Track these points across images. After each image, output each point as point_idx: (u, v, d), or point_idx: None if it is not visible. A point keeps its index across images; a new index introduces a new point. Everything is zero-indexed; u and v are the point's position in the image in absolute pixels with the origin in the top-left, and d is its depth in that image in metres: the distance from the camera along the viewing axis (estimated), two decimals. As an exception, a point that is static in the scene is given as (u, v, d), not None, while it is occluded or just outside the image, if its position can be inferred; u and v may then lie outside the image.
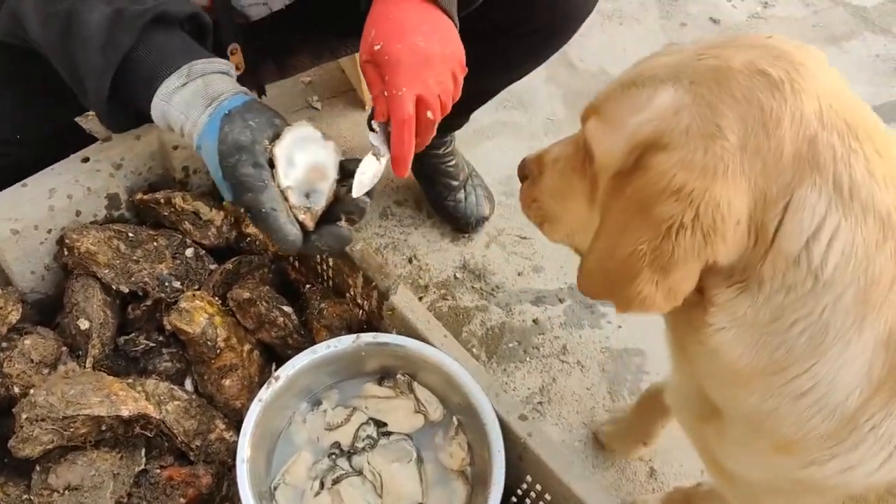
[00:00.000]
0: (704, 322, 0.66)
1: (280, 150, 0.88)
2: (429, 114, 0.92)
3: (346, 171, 0.93)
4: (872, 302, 0.60)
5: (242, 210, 0.92)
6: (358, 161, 0.92)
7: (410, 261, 1.74)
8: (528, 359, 1.63)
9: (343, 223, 0.92)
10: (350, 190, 0.90)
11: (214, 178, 0.91)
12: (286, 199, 0.87)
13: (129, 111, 0.99)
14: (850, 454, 0.64)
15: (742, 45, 0.64)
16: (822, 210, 0.59)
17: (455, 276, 1.73)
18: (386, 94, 0.89)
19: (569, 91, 2.07)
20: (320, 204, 0.90)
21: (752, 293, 0.62)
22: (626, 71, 0.73)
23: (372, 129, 0.92)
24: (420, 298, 1.68)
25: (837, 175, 0.59)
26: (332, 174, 0.92)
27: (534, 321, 1.68)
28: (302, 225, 0.88)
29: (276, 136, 0.90)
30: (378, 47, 0.89)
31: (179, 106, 0.91)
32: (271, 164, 0.88)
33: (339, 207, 0.93)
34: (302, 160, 0.90)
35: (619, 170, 0.66)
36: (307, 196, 0.90)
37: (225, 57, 1.16)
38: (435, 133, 0.96)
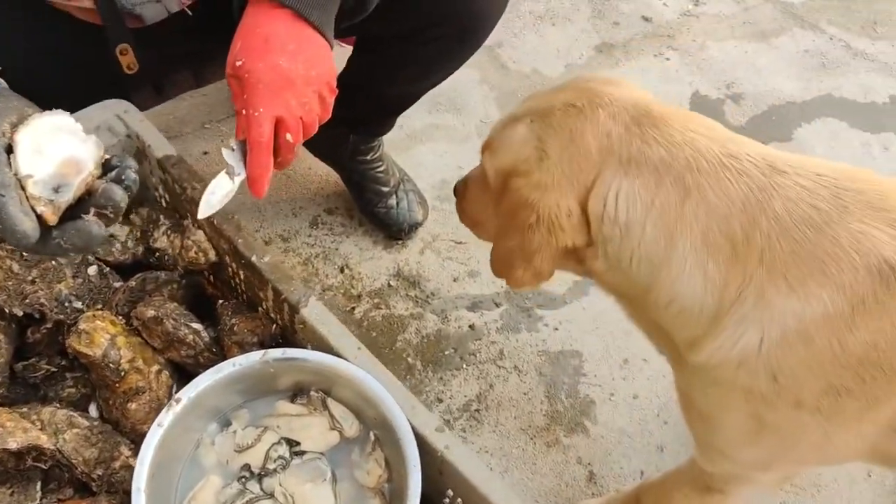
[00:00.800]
0: (598, 274, 0.89)
1: (23, 136, 0.79)
2: (288, 136, 0.90)
3: (109, 167, 0.86)
4: (670, 224, 0.79)
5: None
6: (125, 158, 0.86)
7: (342, 270, 1.69)
8: (464, 366, 1.60)
9: (91, 217, 0.81)
10: (109, 182, 0.82)
11: None
12: (23, 189, 0.77)
13: None
14: (720, 335, 0.81)
15: (569, 88, 0.88)
16: (611, 179, 0.80)
17: (389, 283, 1.69)
18: (244, 112, 0.86)
19: (502, 93, 2.05)
20: (66, 197, 0.80)
21: (597, 252, 0.84)
22: (514, 108, 0.94)
23: (229, 147, 0.89)
24: (353, 308, 1.64)
25: (621, 152, 0.81)
26: (89, 168, 0.83)
27: (470, 327, 1.65)
28: (41, 218, 0.78)
29: (20, 123, 0.81)
30: (240, 63, 0.86)
31: None
32: (10, 151, 0.79)
33: (91, 202, 0.82)
34: (54, 152, 0.81)
35: (495, 188, 0.90)
36: (56, 190, 0.80)
37: (115, 58, 1.12)
38: (296, 155, 0.94)
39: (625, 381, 1.60)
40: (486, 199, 0.95)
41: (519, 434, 1.51)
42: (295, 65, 0.89)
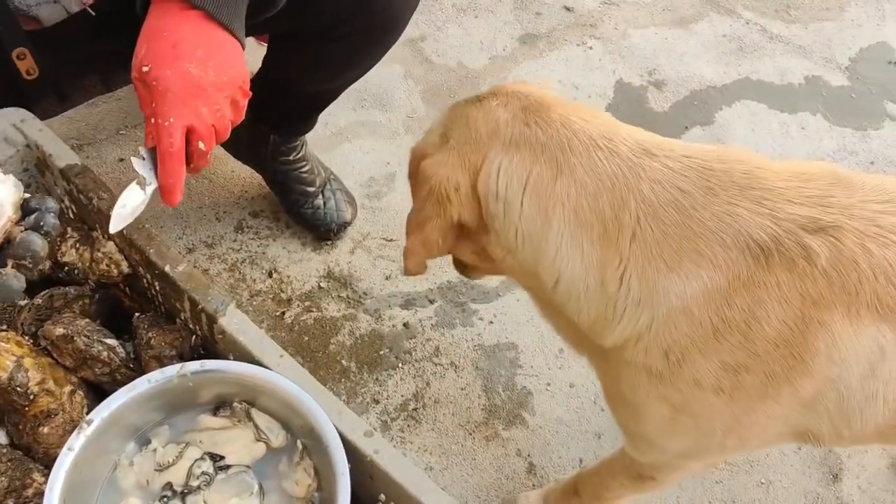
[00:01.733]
0: (497, 260, 0.92)
1: None
2: (200, 144, 0.88)
3: (28, 210, 0.82)
4: (544, 200, 0.82)
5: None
6: (44, 199, 0.82)
7: (270, 274, 1.66)
8: (400, 364, 1.58)
9: (10, 270, 0.81)
10: (27, 231, 0.79)
11: None
12: None
13: None
14: (623, 319, 0.83)
15: (486, 90, 0.92)
16: (495, 157, 0.85)
17: (320, 286, 1.66)
18: (154, 121, 0.83)
19: (427, 87, 2.03)
20: None
21: (490, 231, 0.88)
22: None
23: (140, 156, 0.85)
24: (283, 313, 1.61)
25: (506, 135, 0.85)
26: (8, 214, 0.80)
27: (404, 325, 1.63)
28: None
29: None
30: (147, 69, 0.83)
31: None
32: None
33: (8, 251, 0.81)
34: None
35: (412, 177, 0.95)
36: None
37: (11, 63, 1.06)
38: (209, 161, 0.92)
39: (560, 370, 1.60)
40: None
41: (457, 430, 1.51)
42: (205, 71, 0.86)
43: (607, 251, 0.81)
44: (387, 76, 2.02)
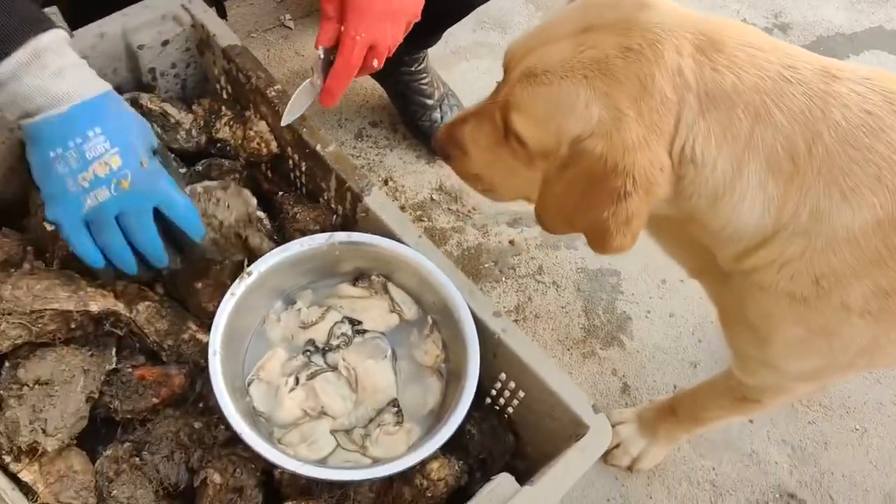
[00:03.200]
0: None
1: None
2: (375, 62, 0.94)
3: None
4: (739, 154, 0.77)
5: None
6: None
7: (386, 182, 1.72)
8: (503, 279, 1.63)
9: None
10: None
11: None
12: None
13: None
14: (768, 247, 0.82)
15: (602, 26, 0.79)
16: (690, 118, 0.76)
17: (431, 197, 1.72)
18: (342, 29, 0.90)
19: (548, 12, 2.03)
20: None
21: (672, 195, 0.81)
22: (514, 54, 0.87)
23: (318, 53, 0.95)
24: (396, 219, 1.67)
25: (699, 88, 0.76)
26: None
27: (510, 242, 1.67)
28: None
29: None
30: None
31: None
32: None
33: None
34: None
35: (552, 153, 0.82)
36: None
37: None
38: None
39: (661, 299, 1.63)
40: (509, 158, 0.89)
41: (556, 345, 1.56)
42: None
43: (790, 189, 0.78)
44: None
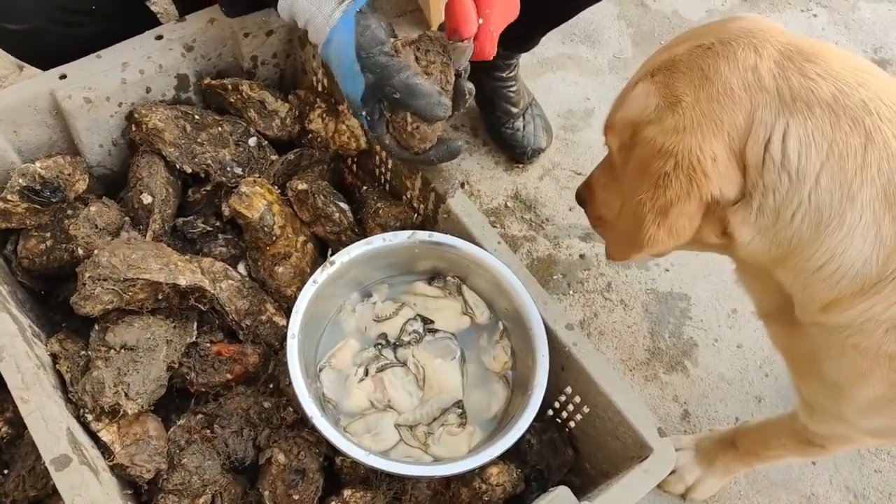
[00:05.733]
0: (738, 243, 0.79)
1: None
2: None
3: None
4: (849, 174, 0.70)
5: (386, 95, 0.95)
6: None
7: (462, 186, 1.73)
8: (571, 292, 1.62)
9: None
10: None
11: (341, 71, 0.95)
12: None
13: None
14: (873, 297, 0.75)
15: (689, 37, 0.79)
16: (772, 117, 0.72)
17: (506, 204, 1.72)
18: (480, 22, 0.95)
19: (639, 30, 2.01)
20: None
21: (750, 206, 0.75)
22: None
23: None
24: (469, 223, 1.68)
25: (781, 89, 0.72)
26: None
27: (580, 256, 1.67)
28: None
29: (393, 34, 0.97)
30: None
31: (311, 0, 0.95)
32: None
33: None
34: None
35: (621, 153, 0.82)
36: None
37: None
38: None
39: (730, 329, 1.60)
40: (615, 187, 0.88)
41: (619, 364, 1.54)
42: None
43: None
44: (599, 13, 2.02)
